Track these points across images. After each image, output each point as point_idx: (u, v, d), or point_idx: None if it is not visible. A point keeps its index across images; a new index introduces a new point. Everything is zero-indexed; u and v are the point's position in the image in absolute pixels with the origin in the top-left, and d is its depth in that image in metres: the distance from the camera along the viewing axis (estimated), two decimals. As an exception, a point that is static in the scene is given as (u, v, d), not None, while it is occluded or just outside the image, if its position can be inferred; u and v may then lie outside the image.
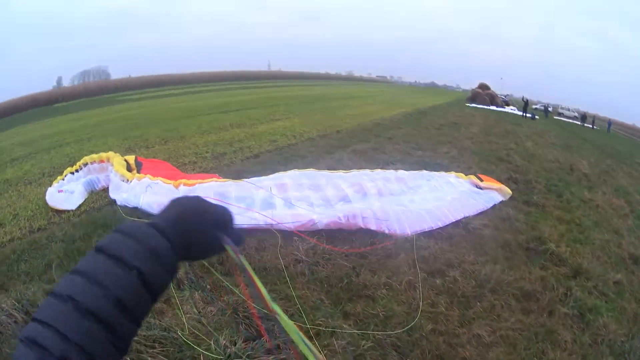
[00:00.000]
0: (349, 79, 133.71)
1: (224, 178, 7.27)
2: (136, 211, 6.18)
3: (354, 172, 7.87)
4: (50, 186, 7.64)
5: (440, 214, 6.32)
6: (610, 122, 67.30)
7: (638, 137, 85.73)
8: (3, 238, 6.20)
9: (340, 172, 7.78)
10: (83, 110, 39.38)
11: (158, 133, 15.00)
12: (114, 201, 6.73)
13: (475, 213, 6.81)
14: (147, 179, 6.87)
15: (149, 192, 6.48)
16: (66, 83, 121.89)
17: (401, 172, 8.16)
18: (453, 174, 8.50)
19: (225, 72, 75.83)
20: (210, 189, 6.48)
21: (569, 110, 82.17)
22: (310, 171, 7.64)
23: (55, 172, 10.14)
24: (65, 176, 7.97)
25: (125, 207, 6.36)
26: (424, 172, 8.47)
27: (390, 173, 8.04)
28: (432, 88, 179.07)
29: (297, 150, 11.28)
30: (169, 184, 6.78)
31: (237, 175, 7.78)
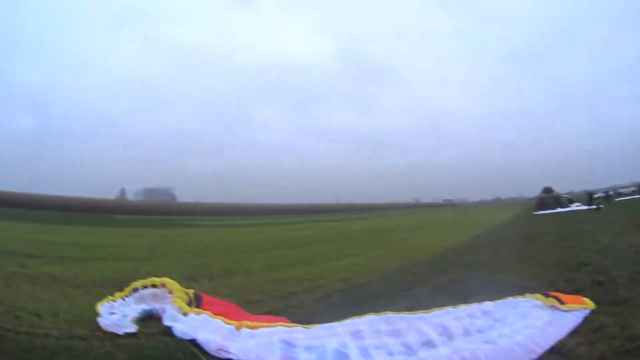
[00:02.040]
0: (417, 207, 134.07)
1: (292, 323, 6.54)
2: (191, 345, 5.50)
3: (436, 312, 7.03)
4: (100, 304, 7.04)
5: (533, 344, 5.52)
6: None
7: None
8: (37, 330, 5.97)
9: (421, 313, 6.97)
10: (145, 228, 40.70)
11: (223, 264, 14.48)
12: (169, 329, 6.03)
13: (567, 334, 5.94)
14: (206, 316, 6.31)
15: (208, 328, 5.90)
16: (129, 196, 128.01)
17: (486, 304, 7.35)
18: (529, 296, 7.63)
19: (292, 204, 77.13)
20: (276, 334, 5.83)
21: (627, 187, 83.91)
22: (389, 315, 6.75)
23: (107, 285, 9.75)
24: (116, 300, 7.35)
25: (180, 340, 5.68)
26: (510, 299, 7.64)
27: (475, 307, 7.23)
28: (497, 204, 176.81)
29: (372, 289, 10.21)
30: (231, 324, 6.08)
31: (307, 319, 6.93)
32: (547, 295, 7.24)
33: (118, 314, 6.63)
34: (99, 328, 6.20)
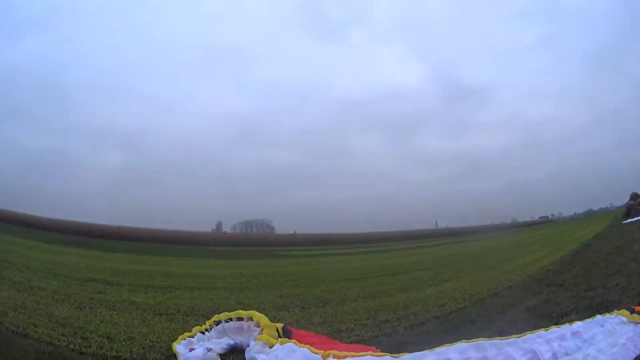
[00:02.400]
0: (514, 227, 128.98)
1: (381, 352, 6.44)
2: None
3: (528, 335, 6.74)
4: (177, 343, 6.84)
5: None
6: None
7: None
8: (106, 352, 6.15)
9: (513, 338, 6.69)
10: (241, 259, 40.76)
11: (317, 293, 14.46)
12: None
13: None
14: (292, 345, 6.29)
15: (293, 357, 5.97)
16: (226, 229, 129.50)
17: (576, 325, 7.04)
18: (616, 312, 7.27)
19: (391, 232, 76.30)
20: (364, 363, 5.73)
21: None
22: (479, 341, 6.50)
23: (192, 313, 10.04)
24: (196, 334, 7.14)
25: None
26: (598, 317, 7.28)
27: (565, 329, 6.93)
28: (589, 216, 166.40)
29: (467, 314, 9.96)
30: (317, 353, 6.11)
31: (398, 347, 6.83)
32: (632, 311, 6.89)
33: (199, 348, 6.50)
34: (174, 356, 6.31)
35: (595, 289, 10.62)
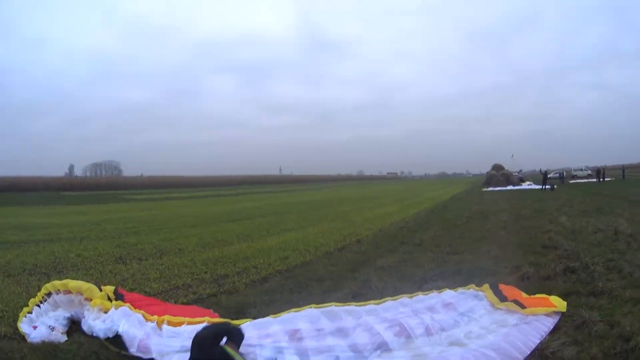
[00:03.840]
0: (361, 179, 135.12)
1: (219, 317, 5.77)
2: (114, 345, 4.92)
3: (389, 302, 6.14)
4: (19, 322, 6.10)
5: (511, 346, 4.76)
6: (624, 169, 68.38)
7: None
8: None
9: (371, 304, 6.08)
10: (89, 204, 40.38)
11: (156, 242, 13.67)
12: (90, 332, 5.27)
13: (547, 333, 5.19)
14: (126, 308, 5.53)
15: (130, 321, 5.21)
16: (78, 172, 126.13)
17: (447, 294, 6.54)
18: (476, 288, 6.83)
19: (236, 176, 75.88)
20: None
21: (581, 170, 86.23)
22: (332, 307, 5.80)
23: (36, 272, 9.59)
24: (33, 309, 6.30)
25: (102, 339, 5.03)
26: (471, 290, 6.73)
27: (434, 297, 6.38)
28: (443, 178, 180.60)
29: (313, 270, 9.33)
30: (151, 320, 5.35)
31: (237, 311, 6.29)
32: (503, 299, 6.30)
33: (40, 326, 5.79)
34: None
35: (462, 253, 10.55)
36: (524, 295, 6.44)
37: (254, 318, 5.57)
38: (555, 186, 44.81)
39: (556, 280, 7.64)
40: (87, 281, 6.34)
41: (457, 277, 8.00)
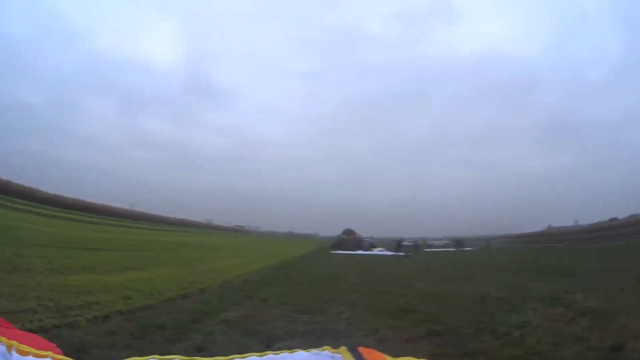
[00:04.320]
0: (208, 227, 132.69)
1: (61, 355, 5.45)
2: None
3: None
4: None
5: None
6: (487, 240, 72.01)
7: (516, 242, 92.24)
8: None
9: None
10: None
11: (7, 256, 13.00)
12: None
13: None
14: None
15: None
16: None
17: (300, 354, 6.01)
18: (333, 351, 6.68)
19: (92, 203, 71.40)
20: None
21: (439, 240, 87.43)
22: None
23: None
24: None
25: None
26: (327, 351, 6.48)
27: (286, 358, 5.96)
28: (290, 237, 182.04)
29: (156, 315, 9.11)
30: (1, 342, 4.99)
31: (79, 349, 6.09)
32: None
33: None
34: None
35: (310, 313, 10.31)
36: (388, 358, 6.40)
37: None
38: (410, 254, 45.65)
39: (419, 343, 7.62)
40: None
41: (308, 337, 7.84)
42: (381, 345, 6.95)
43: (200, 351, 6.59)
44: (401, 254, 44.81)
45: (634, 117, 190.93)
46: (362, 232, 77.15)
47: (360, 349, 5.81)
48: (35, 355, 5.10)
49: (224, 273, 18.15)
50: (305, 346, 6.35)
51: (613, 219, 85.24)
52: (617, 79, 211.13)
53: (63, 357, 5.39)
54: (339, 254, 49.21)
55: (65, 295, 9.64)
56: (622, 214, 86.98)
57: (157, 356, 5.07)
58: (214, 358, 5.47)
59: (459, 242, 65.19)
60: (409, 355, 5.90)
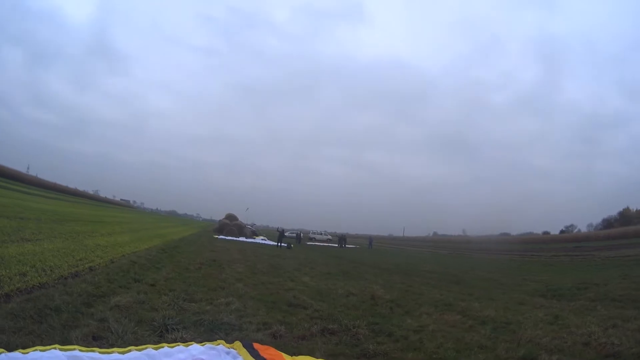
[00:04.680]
0: (95, 199, 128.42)
1: None
2: None
3: (134, 353, 5.73)
4: None
5: None
6: (371, 239, 74.57)
7: (400, 245, 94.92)
8: None
9: (116, 353, 5.65)
10: None
11: None
12: None
13: None
14: None
15: None
16: None
17: (195, 348, 6.23)
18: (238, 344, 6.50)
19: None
20: None
21: (321, 234, 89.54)
22: (76, 351, 5.35)
23: None
24: None
25: None
26: (221, 346, 6.44)
27: (182, 351, 6.03)
28: (173, 216, 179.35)
29: (50, 296, 8.86)
30: None
31: None
32: (256, 356, 6.08)
33: None
34: None
35: (199, 302, 10.34)
36: (286, 357, 6.25)
37: (5, 348, 5.26)
38: (292, 245, 46.55)
39: (314, 341, 7.66)
40: None
41: (200, 329, 7.90)
42: (275, 341, 7.43)
43: (96, 340, 6.57)
44: (284, 244, 45.26)
45: (533, 140, 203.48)
46: (243, 219, 77.61)
47: (256, 346, 6.41)
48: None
49: (111, 251, 17.91)
50: (198, 338, 7.08)
51: (504, 234, 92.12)
52: (518, 105, 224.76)
53: None
54: (221, 238, 49.58)
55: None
56: (514, 230, 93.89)
57: (58, 346, 5.60)
58: (111, 349, 6.05)
59: (342, 238, 66.39)
60: (307, 354, 6.60)
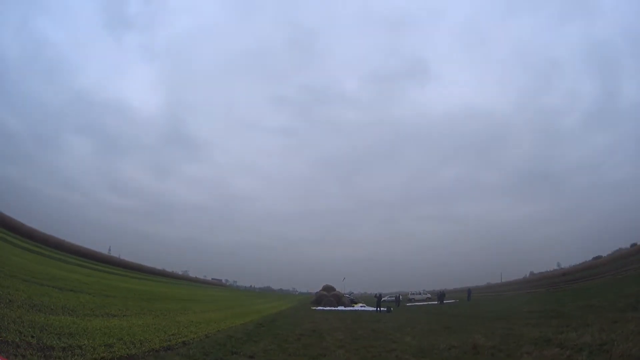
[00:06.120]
0: (185, 279, 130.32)
1: None
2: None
3: None
4: None
5: None
6: (469, 290, 70.76)
7: (498, 292, 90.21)
8: None
9: None
10: None
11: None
12: None
13: None
14: None
15: None
16: None
17: None
18: None
19: (69, 242, 69.93)
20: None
21: (419, 293, 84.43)
22: None
23: None
24: None
25: None
26: None
27: None
28: (268, 292, 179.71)
29: None
30: None
31: None
32: None
33: None
34: None
35: None
36: None
37: None
38: (391, 308, 44.75)
39: None
40: None
41: None
42: None
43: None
44: (383, 308, 43.55)
45: (607, 158, 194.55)
46: (340, 288, 77.14)
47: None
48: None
49: (205, 327, 17.41)
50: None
51: (597, 257, 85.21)
52: (588, 123, 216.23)
53: None
54: (320, 309, 48.47)
55: (47, 334, 9.19)
56: (605, 251, 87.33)
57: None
58: None
59: (441, 295, 63.94)
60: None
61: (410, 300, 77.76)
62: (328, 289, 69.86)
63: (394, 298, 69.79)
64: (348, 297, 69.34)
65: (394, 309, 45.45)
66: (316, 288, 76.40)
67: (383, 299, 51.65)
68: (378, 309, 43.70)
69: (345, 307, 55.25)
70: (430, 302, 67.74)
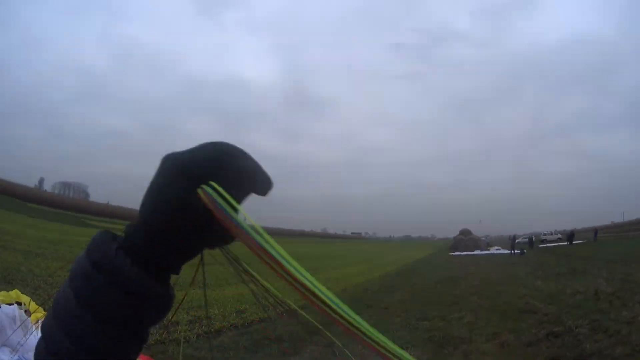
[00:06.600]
0: (324, 236, 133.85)
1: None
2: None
3: None
4: None
5: None
6: (596, 231, 68.69)
7: (621, 233, 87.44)
8: None
9: None
10: (53, 222, 40.31)
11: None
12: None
13: None
14: None
15: None
16: (47, 187, 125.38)
17: None
18: None
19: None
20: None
21: (551, 234, 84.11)
22: None
23: None
24: None
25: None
26: None
27: None
28: (407, 241, 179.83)
29: (272, 328, 8.70)
30: None
31: None
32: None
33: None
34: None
35: (432, 320, 10.04)
36: None
37: None
38: (524, 250, 44.39)
39: (539, 347, 7.44)
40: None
41: (429, 345, 7.77)
42: (502, 350, 7.38)
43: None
44: (516, 251, 43.11)
45: None
46: (477, 231, 76.18)
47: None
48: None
49: (343, 282, 17.58)
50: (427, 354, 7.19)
51: None
52: None
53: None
54: (457, 255, 48.76)
55: (172, 310, 9.20)
56: None
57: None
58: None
59: (570, 235, 61.64)
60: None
61: (542, 242, 76.40)
62: (465, 232, 69.34)
63: (527, 240, 68.42)
64: (484, 240, 69.74)
65: (527, 251, 45.01)
66: (453, 232, 75.83)
67: (517, 240, 51.03)
68: (512, 251, 43.60)
69: (481, 250, 55.72)
70: (560, 243, 66.39)
